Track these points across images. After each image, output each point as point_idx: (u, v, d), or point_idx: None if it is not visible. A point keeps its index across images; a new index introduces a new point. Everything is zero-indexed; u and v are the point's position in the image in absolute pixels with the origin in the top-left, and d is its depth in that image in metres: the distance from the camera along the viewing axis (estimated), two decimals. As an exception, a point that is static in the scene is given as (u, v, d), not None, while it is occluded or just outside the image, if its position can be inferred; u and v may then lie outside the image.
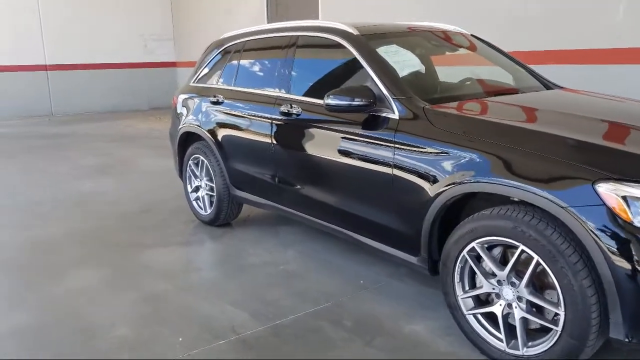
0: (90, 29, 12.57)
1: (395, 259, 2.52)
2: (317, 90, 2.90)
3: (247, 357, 2.21)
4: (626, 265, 1.72)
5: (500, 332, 2.09)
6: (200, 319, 2.52)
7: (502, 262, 2.10)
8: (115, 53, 13.02)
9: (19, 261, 3.33)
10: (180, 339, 2.34)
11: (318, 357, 2.20)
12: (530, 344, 2.00)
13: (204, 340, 2.32)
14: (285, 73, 3.11)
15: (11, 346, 2.35)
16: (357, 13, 6.74)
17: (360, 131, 2.54)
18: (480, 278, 2.15)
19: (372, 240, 2.59)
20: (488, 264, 2.10)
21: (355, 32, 2.80)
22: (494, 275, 2.09)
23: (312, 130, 2.84)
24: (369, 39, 2.77)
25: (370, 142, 2.49)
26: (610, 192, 1.75)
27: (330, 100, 2.48)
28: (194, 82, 4.13)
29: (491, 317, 2.14)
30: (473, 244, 2.10)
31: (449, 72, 3.11)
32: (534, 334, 2.04)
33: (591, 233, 1.76)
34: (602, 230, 1.75)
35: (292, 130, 2.97)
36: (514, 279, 2.03)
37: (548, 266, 1.88)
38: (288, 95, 3.04)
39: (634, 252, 1.72)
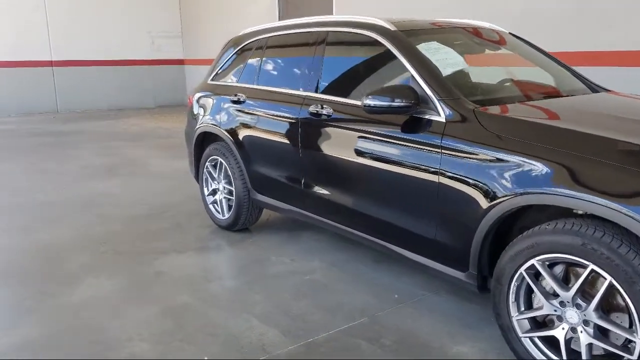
0: (97, 25, 12.39)
1: (436, 272, 2.33)
2: (350, 90, 2.71)
3: (279, 380, 2.03)
4: None
5: (561, 358, 1.90)
6: (226, 335, 2.33)
7: (564, 281, 1.91)
8: (122, 50, 12.84)
9: (26, 268, 3.14)
10: (206, 358, 2.16)
11: (358, 381, 2.02)
12: (596, 372, 1.82)
13: (231, 360, 2.14)
14: (314, 71, 2.91)
15: (21, 363, 2.17)
16: (374, 10, 6.56)
17: (400, 134, 2.34)
18: (539, 298, 1.95)
19: (412, 252, 2.39)
20: (550, 283, 1.90)
21: (392, 27, 2.61)
22: (555, 295, 1.90)
23: (345, 133, 2.63)
24: (408, 35, 2.58)
25: (412, 147, 2.29)
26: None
27: (370, 101, 2.28)
28: (211, 80, 3.94)
29: (550, 341, 1.95)
30: (533, 261, 1.91)
31: (482, 73, 2.91)
32: (598, 361, 1.85)
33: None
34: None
35: (322, 132, 2.77)
36: (579, 301, 1.84)
37: (623, 289, 1.69)
38: (318, 95, 2.84)
39: None
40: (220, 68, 3.87)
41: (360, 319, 2.45)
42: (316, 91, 2.87)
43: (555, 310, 1.90)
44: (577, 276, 1.84)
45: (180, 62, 13.80)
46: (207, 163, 3.79)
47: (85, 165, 6.03)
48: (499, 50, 3.02)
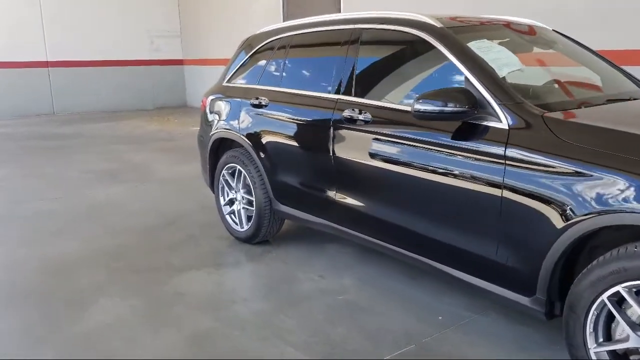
0: (94, 24, 12.08)
1: (495, 296, 2.10)
2: (391, 93, 2.48)
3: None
4: None
5: (649, 398, 1.68)
6: (261, 369, 2.09)
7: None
8: (119, 50, 12.54)
9: (32, 288, 2.88)
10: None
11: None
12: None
13: (270, 399, 1.90)
14: (347, 73, 2.67)
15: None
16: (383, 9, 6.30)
17: (453, 143, 2.11)
18: (622, 329, 1.73)
19: (467, 274, 2.16)
20: (638, 312, 1.68)
21: (438, 24, 2.38)
22: (644, 326, 1.68)
23: (387, 139, 2.39)
24: (456, 33, 2.35)
25: (468, 157, 2.06)
26: None
27: (421, 106, 2.05)
28: (227, 82, 3.70)
29: (634, 377, 1.73)
30: (618, 288, 1.68)
31: (533, 73, 2.69)
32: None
33: None
34: None
35: (359, 139, 2.53)
36: (674, 334, 1.62)
37: None
38: (353, 99, 2.60)
39: None
40: (237, 69, 3.62)
41: (406, 346, 2.22)
42: (351, 94, 2.63)
43: (644, 343, 1.68)
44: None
45: (180, 62, 13.51)
46: (223, 171, 3.54)
47: (87, 171, 5.76)
48: (546, 49, 2.79)
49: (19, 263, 3.20)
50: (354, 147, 2.56)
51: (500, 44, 2.57)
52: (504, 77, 2.17)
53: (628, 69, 2.90)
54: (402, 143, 2.32)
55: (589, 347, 1.79)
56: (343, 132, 2.60)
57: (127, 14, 12.44)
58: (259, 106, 3.21)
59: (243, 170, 3.35)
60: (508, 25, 2.74)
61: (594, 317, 1.77)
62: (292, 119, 2.95)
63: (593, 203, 1.71)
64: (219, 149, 3.69)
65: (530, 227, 1.88)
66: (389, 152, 2.38)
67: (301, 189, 2.95)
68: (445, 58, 2.25)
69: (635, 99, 2.40)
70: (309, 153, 2.83)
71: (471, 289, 2.23)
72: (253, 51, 3.51)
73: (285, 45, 3.21)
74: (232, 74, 3.68)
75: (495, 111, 2.03)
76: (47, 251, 3.38)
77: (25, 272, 3.06)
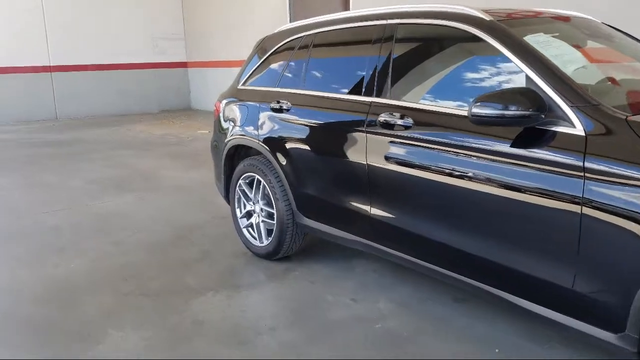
0: (97, 28, 11.84)
1: (565, 328, 1.81)
2: (436, 95, 2.18)
3: None
4: None
5: None
6: (298, 417, 1.81)
7: None
8: (123, 53, 12.29)
9: (34, 317, 2.60)
10: None
11: None
12: None
13: None
14: (382, 73, 2.38)
15: None
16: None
17: (517, 151, 1.82)
18: None
19: (536, 304, 1.86)
20: None
21: (487, 17, 2.09)
22: None
23: (433, 148, 2.09)
24: (509, 26, 2.06)
25: (537, 168, 1.77)
26: None
27: (481, 109, 1.76)
28: (242, 85, 3.42)
29: None
30: None
31: (594, 70, 2.39)
32: None
33: None
34: None
35: (399, 147, 2.23)
36: None
37: None
38: (390, 101, 2.31)
39: None
40: (253, 71, 3.34)
41: (464, 386, 1.94)
42: (386, 96, 2.34)
43: None
44: None
45: (184, 65, 13.25)
46: (240, 181, 3.26)
47: (92, 179, 5.49)
48: (602, 43, 2.49)
49: (20, 287, 2.92)
50: (392, 156, 2.26)
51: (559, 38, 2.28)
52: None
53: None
54: (451, 151, 2.03)
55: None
56: (379, 138, 2.31)
57: (130, 17, 12.19)
58: (280, 110, 2.93)
59: (262, 180, 3.07)
60: (557, 17, 2.44)
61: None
62: (319, 124, 2.67)
63: None
64: (234, 157, 3.41)
65: (619, 252, 1.59)
66: (436, 162, 2.08)
67: (329, 202, 2.66)
68: (500, 54, 1.96)
69: None
70: (338, 162, 2.54)
71: (528, 314, 1.94)
72: (270, 52, 3.22)
73: (307, 44, 2.92)
74: (247, 76, 3.40)
75: (566, 115, 1.74)
76: (51, 272, 3.10)
77: (27, 298, 2.78)
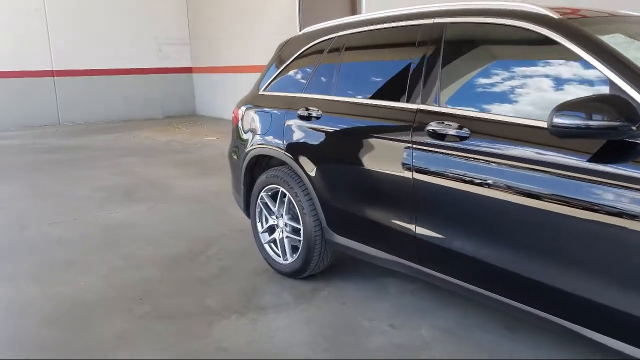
0: (101, 32, 11.66)
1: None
2: (498, 102, 1.96)
3: None
4: None
5: None
6: None
7: None
8: (126, 58, 12.11)
9: (43, 337, 2.38)
10: None
11: None
12: None
13: None
14: (429, 77, 2.17)
15: None
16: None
17: (598, 167, 1.60)
18: None
19: (609, 337, 1.64)
20: None
21: (555, 15, 1.88)
22: None
23: (496, 161, 1.87)
24: (582, 26, 1.85)
25: (623, 187, 1.55)
26: None
27: (563, 119, 1.55)
28: (264, 91, 3.21)
29: None
30: None
31: None
32: None
33: None
34: None
35: (454, 160, 2.01)
36: None
37: None
38: (441, 109, 2.09)
39: None
40: (276, 76, 3.14)
41: None
42: (435, 104, 2.13)
43: None
44: None
45: (189, 70, 13.08)
46: (261, 193, 3.05)
47: (98, 188, 5.27)
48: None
49: (28, 306, 2.69)
50: (444, 170, 2.04)
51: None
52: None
53: None
54: (517, 166, 1.81)
55: None
56: (427, 149, 2.10)
57: (134, 22, 12.02)
58: (308, 118, 2.72)
59: (287, 193, 2.86)
60: (625, 17, 2.24)
61: None
62: (355, 134, 2.45)
63: None
64: (254, 168, 3.21)
65: None
66: (497, 177, 1.87)
67: (365, 219, 2.44)
68: (576, 57, 1.75)
69: None
70: (377, 175, 2.33)
71: (592, 343, 1.73)
72: (296, 55, 3.02)
73: (338, 47, 2.71)
74: (269, 81, 3.19)
75: (660, 127, 1.53)
76: (60, 290, 2.87)
77: (35, 319, 2.56)
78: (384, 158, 2.29)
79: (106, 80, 11.97)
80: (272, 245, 3.07)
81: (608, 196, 1.59)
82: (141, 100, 12.38)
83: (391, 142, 2.25)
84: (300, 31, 3.21)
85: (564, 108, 1.56)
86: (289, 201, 2.88)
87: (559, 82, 1.80)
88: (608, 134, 1.55)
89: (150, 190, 5.16)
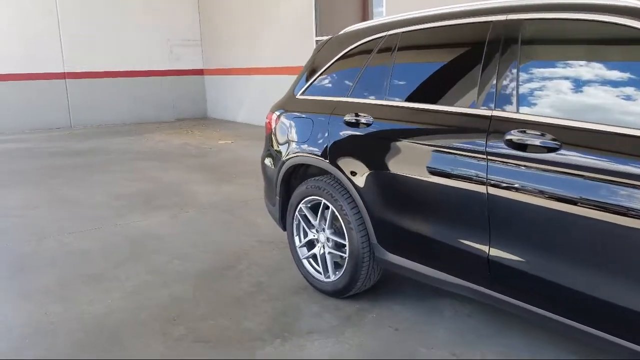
0: (112, 34, 11.52)
1: None
2: (594, 109, 1.74)
3: None
4: None
5: None
6: None
7: None
8: (138, 60, 11.97)
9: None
10: None
11: None
12: None
13: None
14: (505, 80, 1.95)
15: None
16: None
17: None
18: None
19: None
20: None
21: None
22: None
23: (596, 177, 1.64)
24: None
25: None
26: None
27: None
28: (302, 94, 3.00)
29: None
30: None
31: None
32: None
33: None
34: None
35: (541, 175, 1.78)
36: None
37: None
38: (523, 117, 1.85)
39: None
40: (316, 78, 2.93)
41: None
42: (515, 110, 1.90)
43: None
44: None
45: (200, 72, 12.91)
46: (300, 205, 2.84)
47: (117, 194, 5.09)
48: None
49: (54, 328, 2.49)
50: (527, 185, 1.81)
51: None
52: None
53: None
54: (620, 182, 1.59)
55: None
56: (506, 161, 1.87)
57: (145, 23, 11.88)
58: (356, 124, 2.50)
59: (330, 205, 2.64)
60: None
61: None
62: (414, 143, 2.23)
63: None
64: (291, 177, 3.00)
65: None
66: (598, 195, 1.64)
67: (425, 237, 2.22)
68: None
69: None
70: (441, 189, 2.11)
71: None
72: (338, 56, 2.80)
73: (390, 46, 2.49)
74: (308, 84, 2.98)
75: None
76: (87, 310, 2.67)
77: (64, 343, 2.36)
78: (450, 170, 2.07)
79: (117, 83, 11.82)
80: (312, 261, 2.86)
81: None
82: (152, 102, 12.23)
83: (459, 152, 2.03)
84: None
85: None
86: (332, 214, 2.67)
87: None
88: None
89: (171, 197, 4.96)
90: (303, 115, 2.89)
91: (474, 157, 1.97)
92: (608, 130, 1.64)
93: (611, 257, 1.66)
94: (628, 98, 1.67)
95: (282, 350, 2.27)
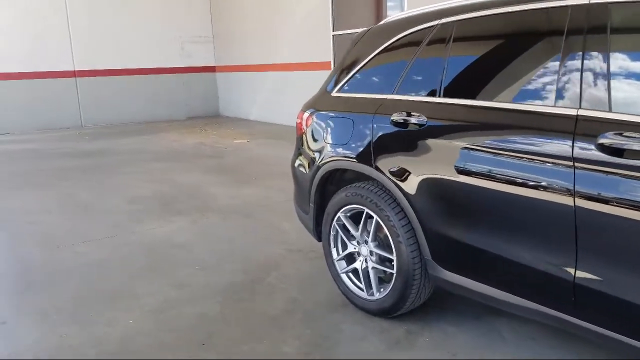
0: (122, 31, 11.30)
1: None
2: None
3: None
4: None
5: None
6: None
7: None
8: (149, 57, 11.74)
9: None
10: None
11: None
12: None
13: None
14: (591, 75, 1.66)
15: None
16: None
17: None
18: None
19: None
20: None
21: None
22: None
23: None
24: None
25: None
26: None
27: None
28: (338, 92, 2.72)
29: None
30: None
31: None
32: None
33: None
34: None
35: None
36: None
37: None
38: (619, 116, 1.58)
39: None
40: (354, 73, 2.65)
41: None
42: (605, 109, 1.62)
43: None
44: None
45: (212, 69, 12.66)
46: (339, 214, 2.57)
47: (132, 197, 4.85)
48: None
49: (70, 355, 2.25)
50: (628, 197, 1.52)
51: None
52: None
53: None
54: None
55: None
56: (599, 169, 1.59)
57: (156, 20, 11.64)
58: (405, 125, 2.22)
59: (375, 215, 2.37)
60: None
61: None
62: (479, 146, 1.94)
63: None
64: (326, 183, 2.73)
65: None
66: None
67: (494, 255, 1.94)
68: None
69: None
70: (515, 199, 1.83)
71: None
72: (381, 48, 2.52)
73: (444, 37, 2.21)
74: (345, 80, 2.70)
75: None
76: (105, 332, 2.42)
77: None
78: (525, 178, 1.78)
79: (128, 81, 11.62)
80: (352, 275, 2.59)
81: None
82: (164, 100, 12.01)
83: (538, 158, 1.74)
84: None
85: None
86: (377, 225, 2.40)
87: None
88: None
89: (189, 200, 4.72)
90: (341, 115, 2.62)
91: (557, 163, 1.68)
92: None
93: None
94: None
95: (328, 382, 2.02)
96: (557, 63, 1.77)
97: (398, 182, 2.23)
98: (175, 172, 5.98)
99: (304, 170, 2.85)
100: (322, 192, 2.75)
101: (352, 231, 2.55)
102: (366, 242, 2.48)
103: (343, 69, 2.76)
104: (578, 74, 1.70)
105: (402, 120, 2.24)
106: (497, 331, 2.32)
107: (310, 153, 2.78)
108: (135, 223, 4.08)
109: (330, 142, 2.64)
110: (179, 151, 7.53)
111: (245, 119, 11.59)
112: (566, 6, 1.79)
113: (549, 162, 1.71)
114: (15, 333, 2.45)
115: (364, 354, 2.19)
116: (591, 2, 1.72)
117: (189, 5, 12.13)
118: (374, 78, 2.56)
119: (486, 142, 1.93)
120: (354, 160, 2.47)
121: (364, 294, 2.52)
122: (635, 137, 1.52)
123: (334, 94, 2.75)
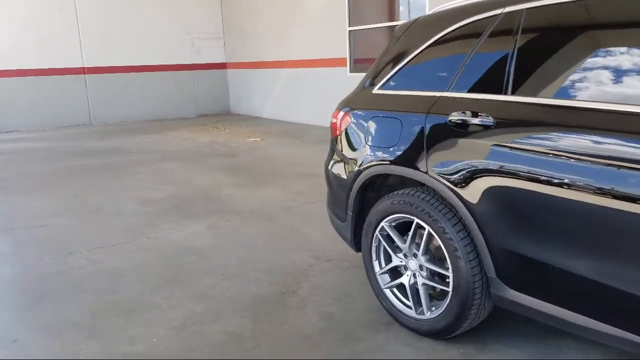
0: (131, 27, 11.10)
1: None
2: None
3: None
4: None
5: None
6: None
7: None
8: (158, 54, 11.53)
9: None
10: None
11: None
12: None
13: None
14: None
15: None
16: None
17: None
18: None
19: None
20: None
21: None
22: None
23: None
24: None
25: None
26: None
27: None
28: (379, 89, 2.48)
29: None
30: None
31: None
32: None
33: None
34: None
35: None
36: None
37: None
38: None
39: None
40: (400, 68, 2.40)
41: None
42: None
43: None
44: None
45: (223, 65, 12.44)
46: (383, 223, 2.32)
47: (145, 200, 4.63)
48: None
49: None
50: None
51: None
52: None
53: None
54: None
55: None
56: None
57: (166, 16, 11.43)
58: (465, 126, 1.97)
59: (427, 226, 2.12)
60: None
61: None
62: (560, 152, 1.68)
63: None
64: (367, 189, 2.48)
65: None
66: None
67: (577, 276, 1.68)
68: None
69: None
70: (604, 212, 1.57)
71: None
72: (432, 40, 2.27)
73: (510, 27, 1.95)
74: (389, 76, 2.45)
75: None
76: (127, 351, 2.19)
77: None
78: (618, 191, 1.53)
79: (138, 77, 11.41)
80: (397, 291, 2.35)
81: None
82: (174, 98, 11.80)
83: (631, 165, 1.49)
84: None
85: None
86: (428, 237, 2.15)
87: None
88: None
89: (206, 203, 4.48)
90: (386, 115, 2.37)
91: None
92: None
93: None
94: None
95: (382, 417, 1.77)
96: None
97: (457, 190, 1.98)
98: (188, 172, 5.75)
99: (341, 175, 2.60)
100: (361, 199, 2.51)
101: (399, 243, 2.30)
102: (415, 255, 2.24)
103: (386, 64, 2.51)
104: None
105: (459, 121, 1.99)
106: (562, 352, 2.06)
107: (349, 156, 2.53)
108: (150, 227, 3.85)
109: (373, 144, 2.39)
110: (191, 150, 7.31)
111: (258, 116, 11.36)
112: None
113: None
114: (24, 350, 2.22)
115: (418, 383, 1.95)
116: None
117: (199, 1, 11.90)
118: (424, 74, 2.31)
119: (567, 147, 1.67)
120: (403, 165, 2.22)
121: (412, 313, 2.27)
122: None
123: (376, 91, 2.50)
